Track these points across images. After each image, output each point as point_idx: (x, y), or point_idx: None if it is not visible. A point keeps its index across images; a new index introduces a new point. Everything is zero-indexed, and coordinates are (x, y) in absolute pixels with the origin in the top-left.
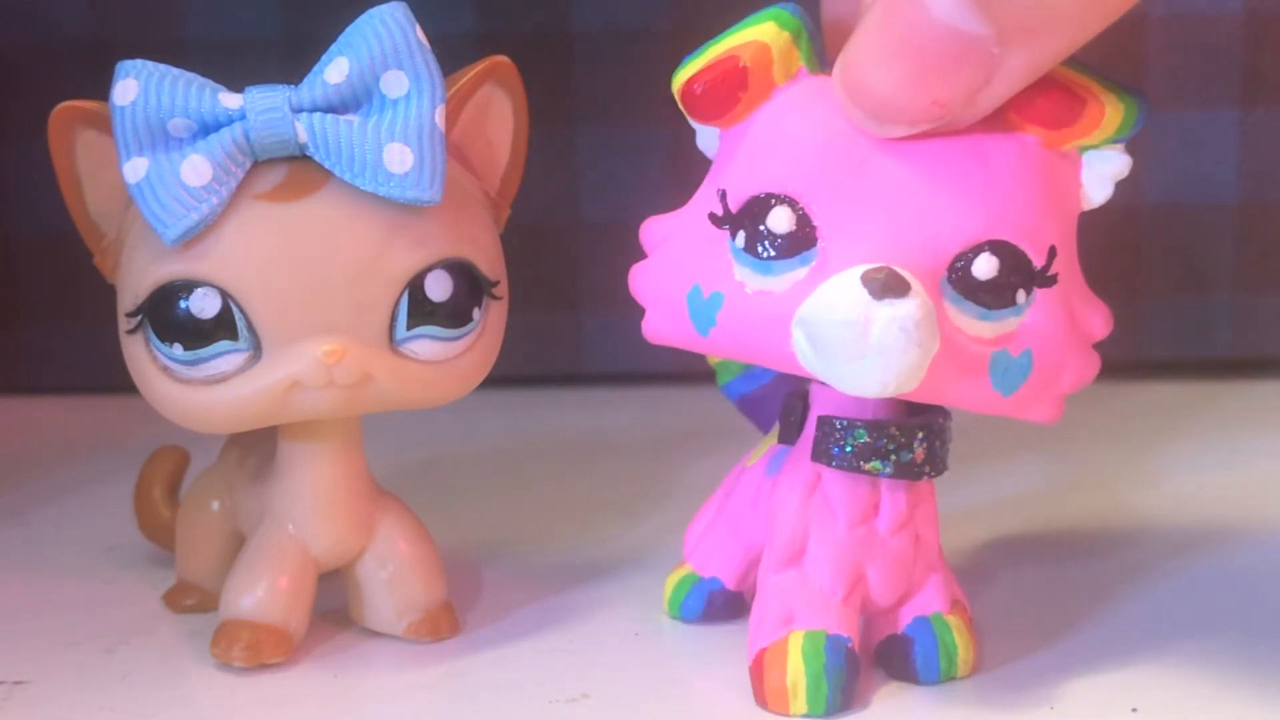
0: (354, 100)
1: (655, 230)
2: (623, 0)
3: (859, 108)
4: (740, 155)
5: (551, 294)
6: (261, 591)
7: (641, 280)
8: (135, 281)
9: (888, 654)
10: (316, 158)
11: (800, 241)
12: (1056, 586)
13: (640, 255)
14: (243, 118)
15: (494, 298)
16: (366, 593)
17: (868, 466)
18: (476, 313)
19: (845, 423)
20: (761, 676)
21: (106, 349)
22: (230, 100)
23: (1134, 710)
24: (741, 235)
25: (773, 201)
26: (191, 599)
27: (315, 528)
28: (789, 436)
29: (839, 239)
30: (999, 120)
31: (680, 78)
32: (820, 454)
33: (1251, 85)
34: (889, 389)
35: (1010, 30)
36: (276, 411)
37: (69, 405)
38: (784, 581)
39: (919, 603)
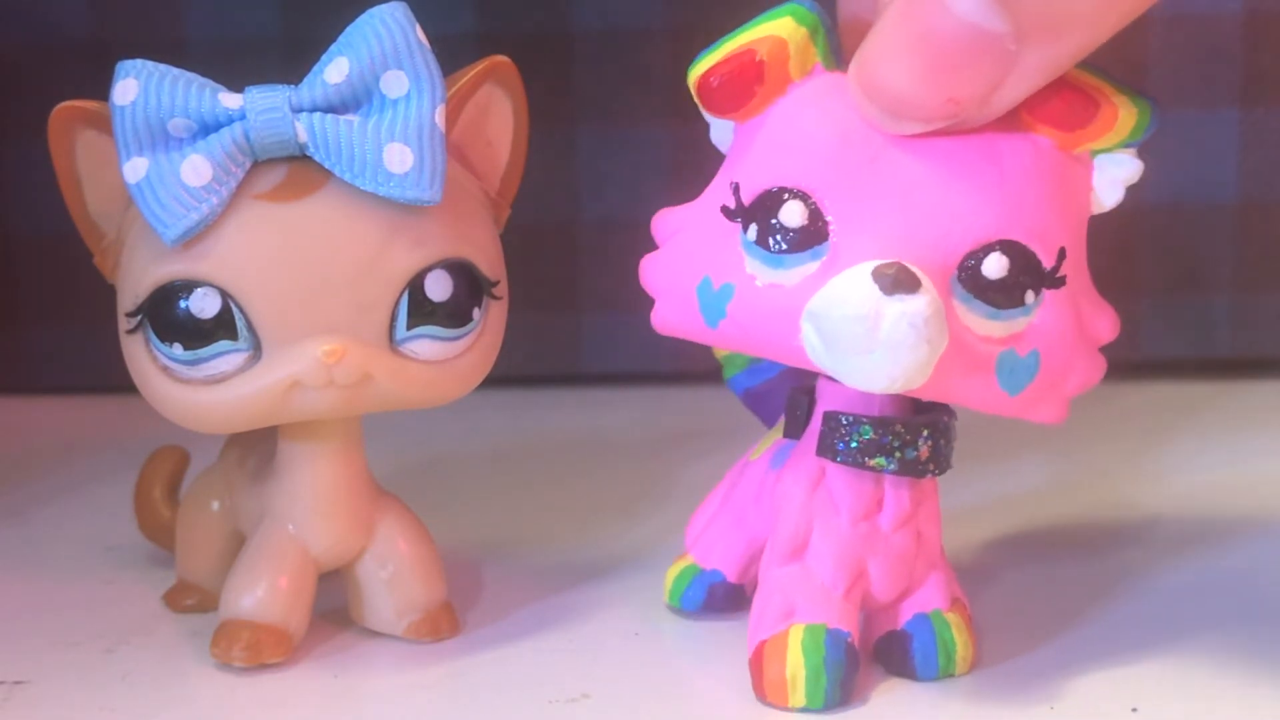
0: (354, 100)
1: (667, 222)
2: (623, 0)
3: (874, 104)
4: (754, 149)
5: (551, 294)
6: (261, 591)
7: (652, 271)
8: (135, 281)
9: (887, 650)
10: (316, 158)
11: (812, 236)
12: (1057, 585)
13: (642, 251)
14: (243, 118)
15: (494, 298)
16: (366, 593)
17: (872, 463)
18: (476, 313)
19: (851, 418)
20: (761, 669)
21: (106, 349)
22: (230, 100)
23: (1134, 710)
24: (753, 228)
25: (785, 195)
26: (191, 599)
27: (315, 528)
28: (794, 431)
29: (851, 234)
30: (1013, 121)
31: (697, 70)
32: (825, 449)
33: (1251, 85)
34: (897, 385)
35: (1028, 28)
36: (276, 411)
37: (69, 405)
38: (786, 575)
39: (919, 599)
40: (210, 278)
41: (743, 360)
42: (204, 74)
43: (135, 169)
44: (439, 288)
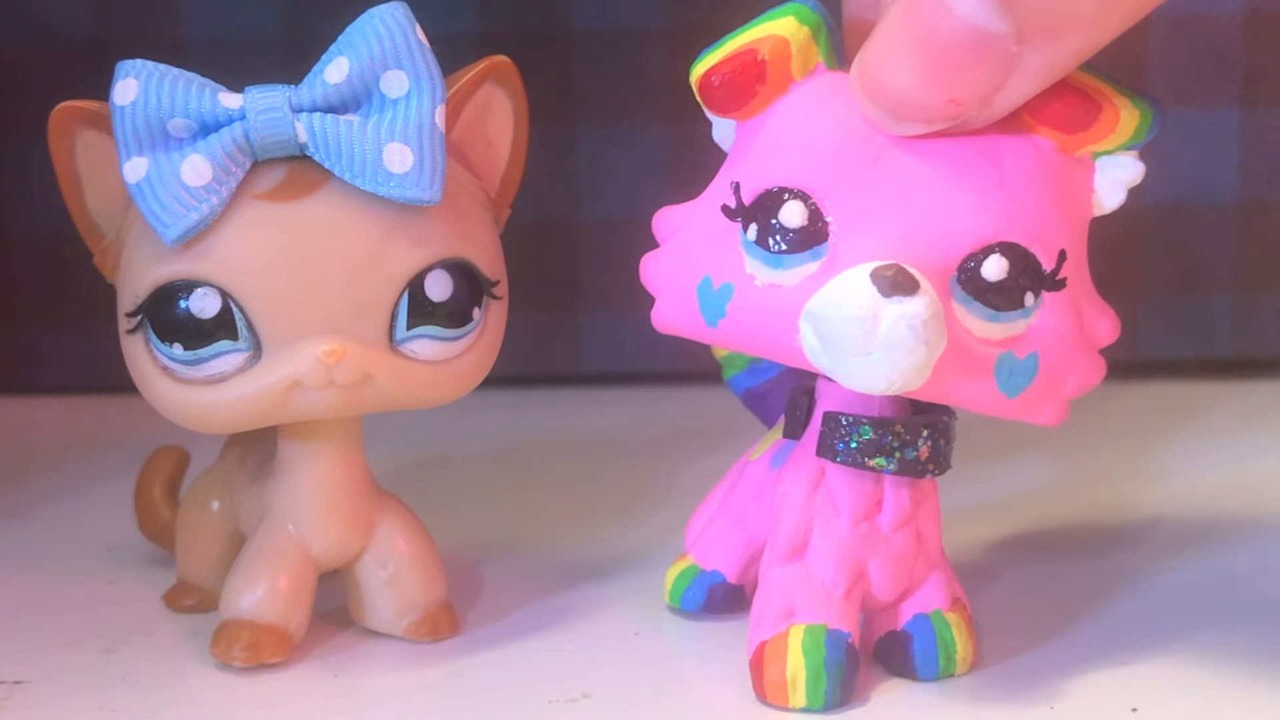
0: (354, 100)
1: (668, 220)
2: (623, 0)
3: (876, 104)
4: (755, 148)
5: (551, 294)
6: (261, 591)
7: (652, 269)
8: (135, 281)
9: (887, 650)
10: (316, 158)
11: (812, 236)
12: (1057, 585)
13: (642, 250)
14: (243, 118)
15: (494, 298)
16: (366, 592)
17: (872, 463)
18: (476, 313)
19: (851, 419)
20: (761, 669)
21: (106, 349)
22: (230, 100)
23: (1134, 710)
24: (753, 228)
25: (786, 196)
26: (191, 599)
27: (315, 527)
28: (794, 431)
29: (850, 235)
30: (1014, 123)
31: (698, 69)
32: (825, 449)
33: (1251, 85)
34: (894, 386)
35: (1030, 29)
36: (276, 411)
37: (69, 405)
38: (786, 575)
39: (919, 600)
40: (210, 278)
41: (742, 360)
42: (204, 74)
43: (135, 169)
44: (439, 288)
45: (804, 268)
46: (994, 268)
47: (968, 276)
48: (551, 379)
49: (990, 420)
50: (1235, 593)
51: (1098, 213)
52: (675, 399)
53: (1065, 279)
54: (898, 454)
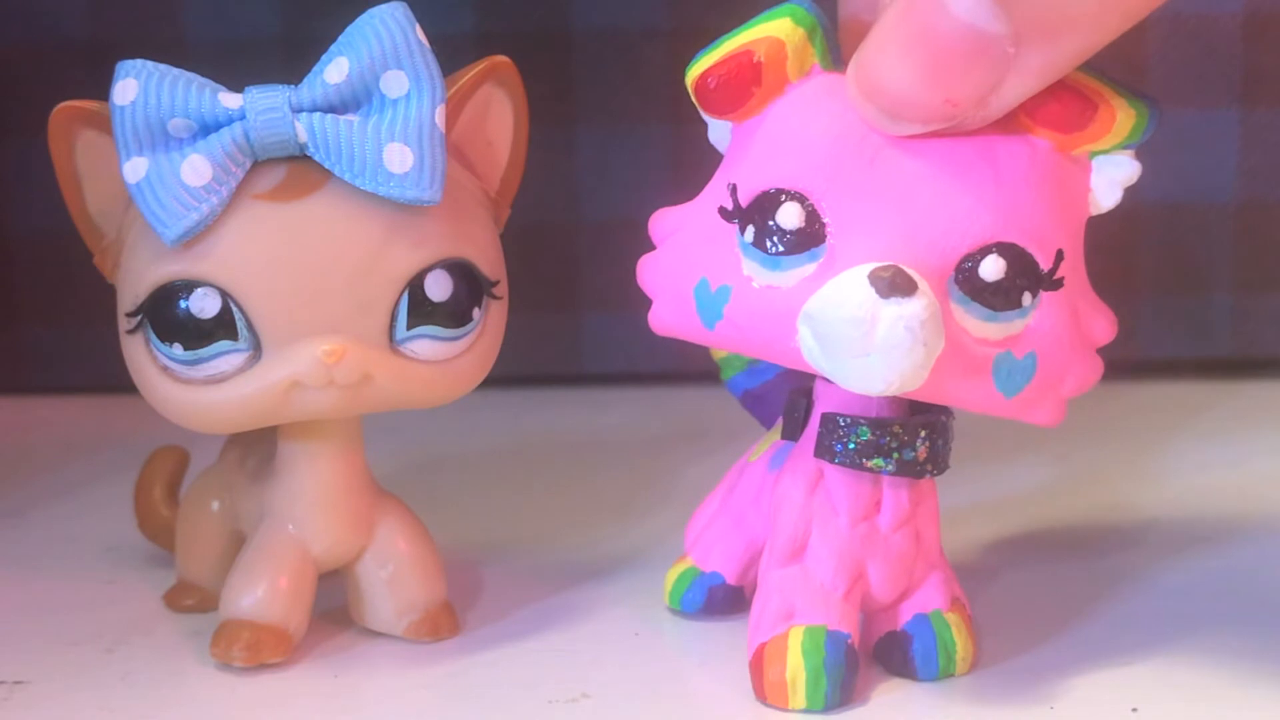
0: (354, 100)
1: (664, 222)
2: (623, 0)
3: (873, 104)
4: (752, 150)
5: (551, 294)
6: (261, 591)
7: (649, 271)
8: (135, 281)
9: (887, 650)
10: (316, 158)
11: (809, 238)
12: (1056, 585)
13: (642, 251)
14: (243, 118)
15: (494, 298)
16: (366, 592)
17: (870, 464)
18: (476, 313)
19: (849, 420)
20: (761, 671)
21: (106, 349)
22: (230, 100)
23: (1134, 710)
24: (750, 230)
25: (783, 197)
26: (191, 599)
27: (315, 527)
28: (792, 433)
29: (848, 236)
30: (1010, 123)
31: (694, 71)
32: (823, 450)
33: (1251, 85)
34: (893, 387)
35: (1026, 29)
36: (276, 411)
37: (69, 405)
38: (785, 577)
39: (919, 600)
40: (210, 278)
41: (741, 362)
42: (204, 74)
43: (135, 169)
44: (439, 288)
45: (801, 269)
46: (991, 268)
47: (965, 277)
48: (551, 379)
49: (989, 420)
50: (1235, 592)
51: (1094, 212)
52: (675, 399)
53: (1062, 279)
54: (896, 455)
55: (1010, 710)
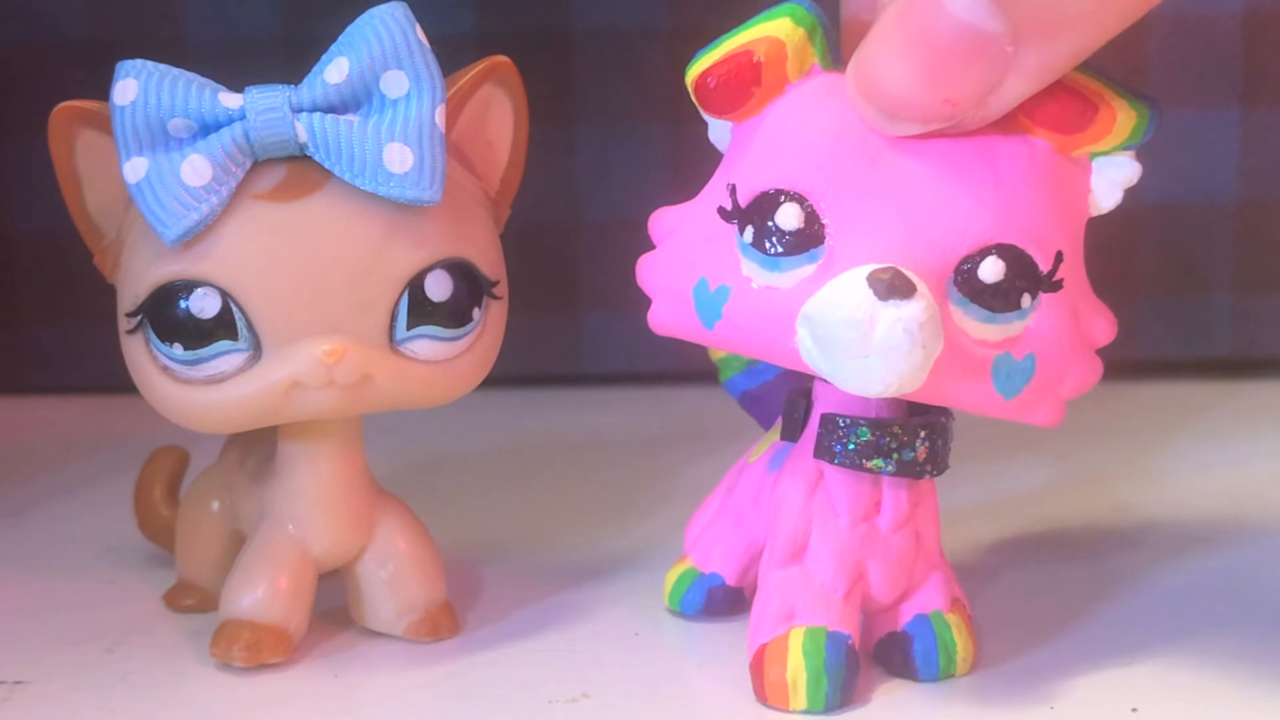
0: (354, 100)
1: (664, 221)
2: (623, 0)
3: (871, 105)
4: (751, 150)
5: (551, 294)
6: (261, 591)
7: (649, 271)
8: (135, 281)
9: (887, 651)
10: (316, 158)
11: (808, 239)
12: (1056, 586)
13: (642, 251)
14: (243, 118)
15: (494, 298)
16: (366, 592)
17: (870, 464)
18: (476, 313)
19: (848, 420)
20: (762, 672)
21: (106, 349)
22: (230, 100)
23: (1134, 710)
24: (750, 230)
25: (782, 198)
26: (191, 599)
27: (315, 527)
28: (792, 433)
29: (847, 238)
30: (1010, 124)
31: (694, 71)
32: (823, 451)
33: (1251, 85)
34: (891, 389)
35: (1025, 29)
36: (276, 411)
37: (69, 405)
38: (785, 578)
39: (919, 600)
40: (210, 278)
41: (739, 363)
42: (204, 74)
43: (135, 169)
44: (439, 288)
45: (800, 270)
46: (991, 269)
47: (964, 278)
48: (551, 379)
49: (988, 421)
50: (1235, 593)
51: (1094, 213)
52: (675, 399)
53: (1062, 280)
54: (895, 455)
55: (1011, 710)
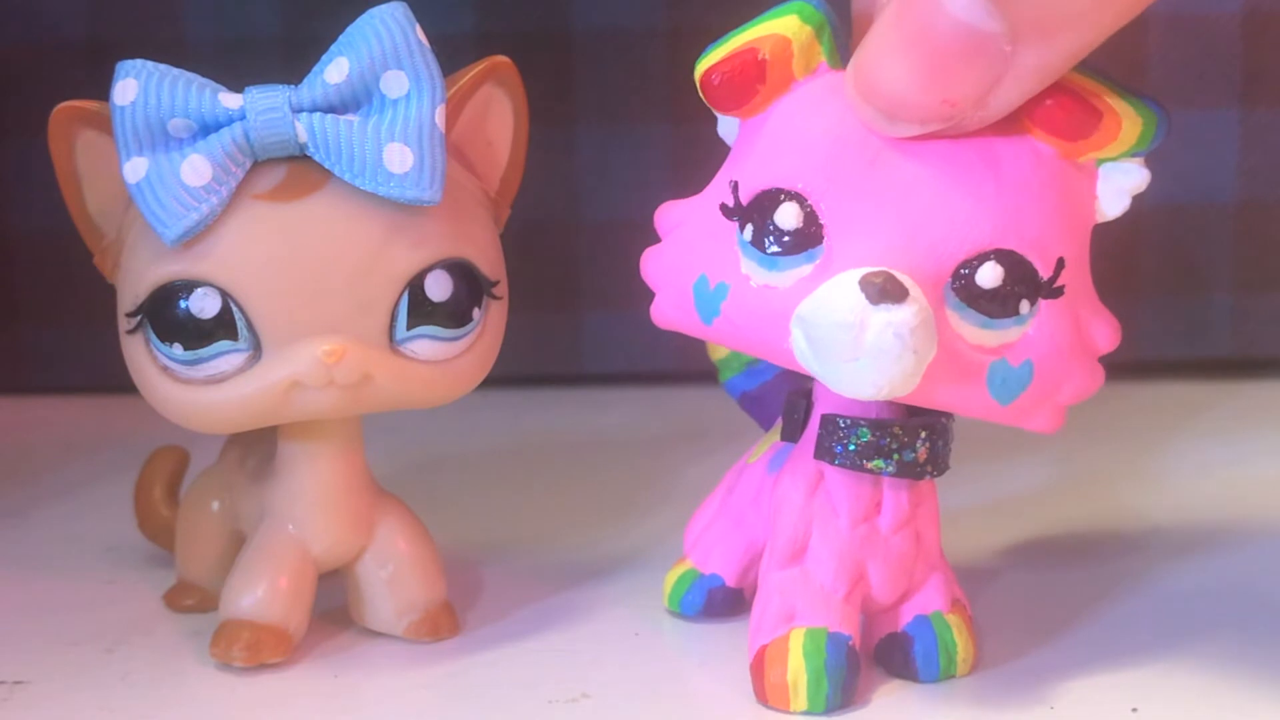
0: (354, 100)
1: (669, 215)
2: (622, 0)
3: (870, 105)
4: (755, 147)
5: (551, 294)
6: (261, 591)
7: (652, 264)
8: (135, 281)
9: (888, 652)
10: (316, 158)
11: (806, 239)
12: (1056, 586)
13: (642, 250)
14: (243, 118)
15: (494, 298)
16: (366, 592)
17: (870, 465)
18: (476, 313)
19: (849, 421)
20: (762, 673)
21: (106, 349)
22: (230, 100)
23: (1134, 710)
24: (750, 228)
25: (782, 197)
26: (191, 599)
27: (315, 527)
28: (792, 434)
29: (845, 238)
30: (1014, 129)
31: (701, 67)
32: (823, 452)
33: (1251, 85)
34: (883, 392)
35: (1023, 28)
36: (276, 411)
37: (69, 405)
38: (786, 579)
39: (919, 601)
40: (210, 278)
41: (739, 363)
42: (204, 74)
43: (135, 169)
44: (439, 288)
45: (798, 270)
46: (989, 275)
47: (962, 283)
48: (551, 379)
49: (989, 422)
50: (1235, 593)
51: (1100, 219)
52: (675, 399)
53: (1063, 287)
54: (896, 456)
55: (1011, 711)
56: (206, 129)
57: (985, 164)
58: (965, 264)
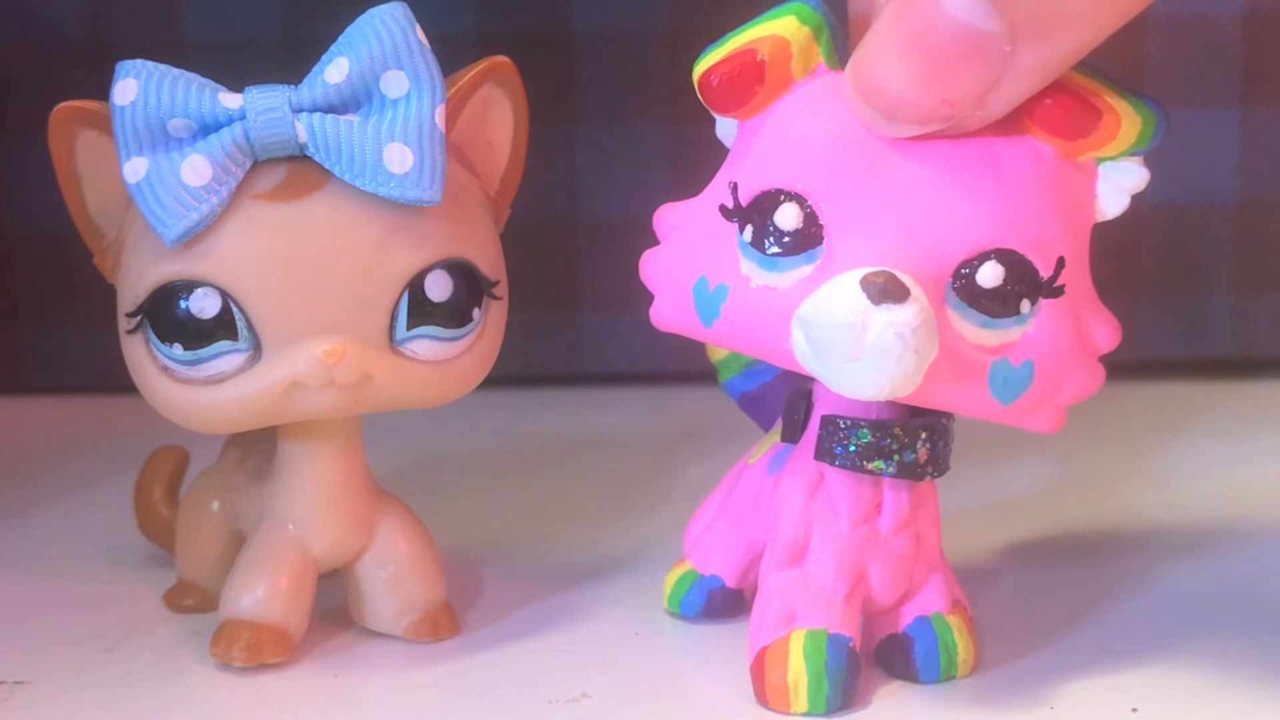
0: (354, 100)
1: (668, 217)
2: (622, 0)
3: (869, 105)
4: (754, 148)
5: (551, 294)
6: (261, 591)
7: (652, 266)
8: (135, 281)
9: (888, 653)
10: (316, 158)
11: (806, 240)
12: (1056, 586)
13: (642, 250)
14: (243, 118)
15: (494, 298)
16: (366, 593)
17: (871, 466)
18: (476, 313)
19: (849, 422)
20: (763, 674)
21: (106, 349)
22: (230, 100)
23: (1134, 710)
24: (749, 229)
25: (781, 198)
26: (191, 599)
27: (315, 527)
28: (792, 435)
29: (845, 239)
30: (1014, 128)
31: (699, 68)
32: (824, 453)
33: (1251, 85)
34: (884, 393)
35: (1021, 27)
36: (276, 411)
37: (69, 405)
38: (786, 580)
39: (920, 602)
40: (210, 278)
41: (739, 364)
42: (204, 74)
43: (135, 169)
44: (439, 288)
45: (798, 271)
46: (989, 275)
47: (962, 283)
48: (551, 379)
49: (989, 422)
50: (1235, 594)
51: (1100, 219)
52: (675, 399)
53: (1063, 286)
54: (896, 457)
55: (1012, 711)
56: (206, 129)
57: (985, 164)
58: (966, 264)
